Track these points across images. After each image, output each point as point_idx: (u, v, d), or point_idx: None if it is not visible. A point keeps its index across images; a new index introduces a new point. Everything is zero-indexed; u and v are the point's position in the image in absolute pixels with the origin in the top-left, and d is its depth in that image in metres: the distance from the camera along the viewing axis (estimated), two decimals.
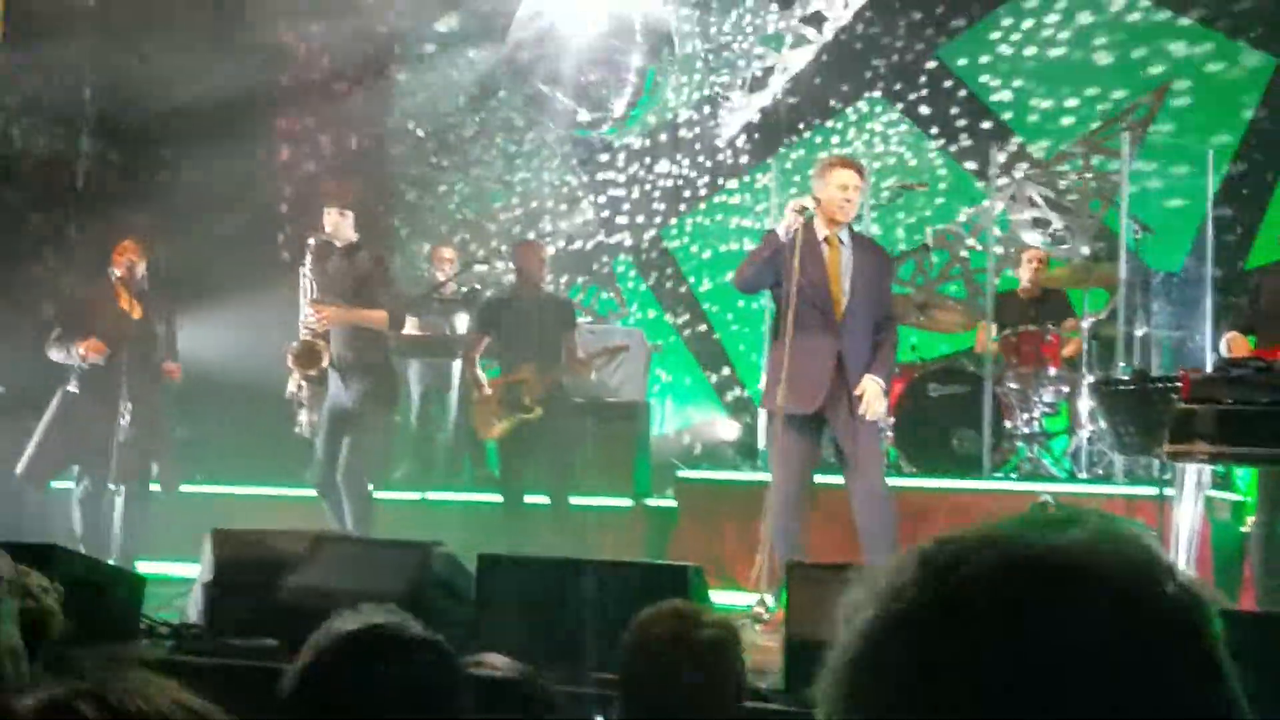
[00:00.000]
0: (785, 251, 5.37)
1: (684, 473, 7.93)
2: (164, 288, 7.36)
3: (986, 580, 0.76)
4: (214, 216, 8.87)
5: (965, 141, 9.58)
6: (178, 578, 5.86)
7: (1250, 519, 5.97)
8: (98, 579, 4.25)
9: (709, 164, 10.35)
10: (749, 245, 8.51)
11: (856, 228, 6.08)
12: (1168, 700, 0.73)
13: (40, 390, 7.49)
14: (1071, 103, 9.38)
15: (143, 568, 6.23)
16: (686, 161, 10.41)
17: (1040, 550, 0.77)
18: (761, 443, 7.91)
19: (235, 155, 8.96)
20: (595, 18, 10.03)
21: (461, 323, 8.31)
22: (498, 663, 2.42)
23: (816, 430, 5.53)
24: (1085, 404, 7.18)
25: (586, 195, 10.66)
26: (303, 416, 6.65)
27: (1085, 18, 9.34)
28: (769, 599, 5.19)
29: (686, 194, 10.43)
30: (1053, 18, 9.43)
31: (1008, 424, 7.38)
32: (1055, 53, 9.44)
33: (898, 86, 9.85)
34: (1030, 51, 9.51)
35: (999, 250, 8.23)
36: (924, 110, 9.75)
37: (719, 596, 4.95)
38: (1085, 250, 8.94)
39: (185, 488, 7.57)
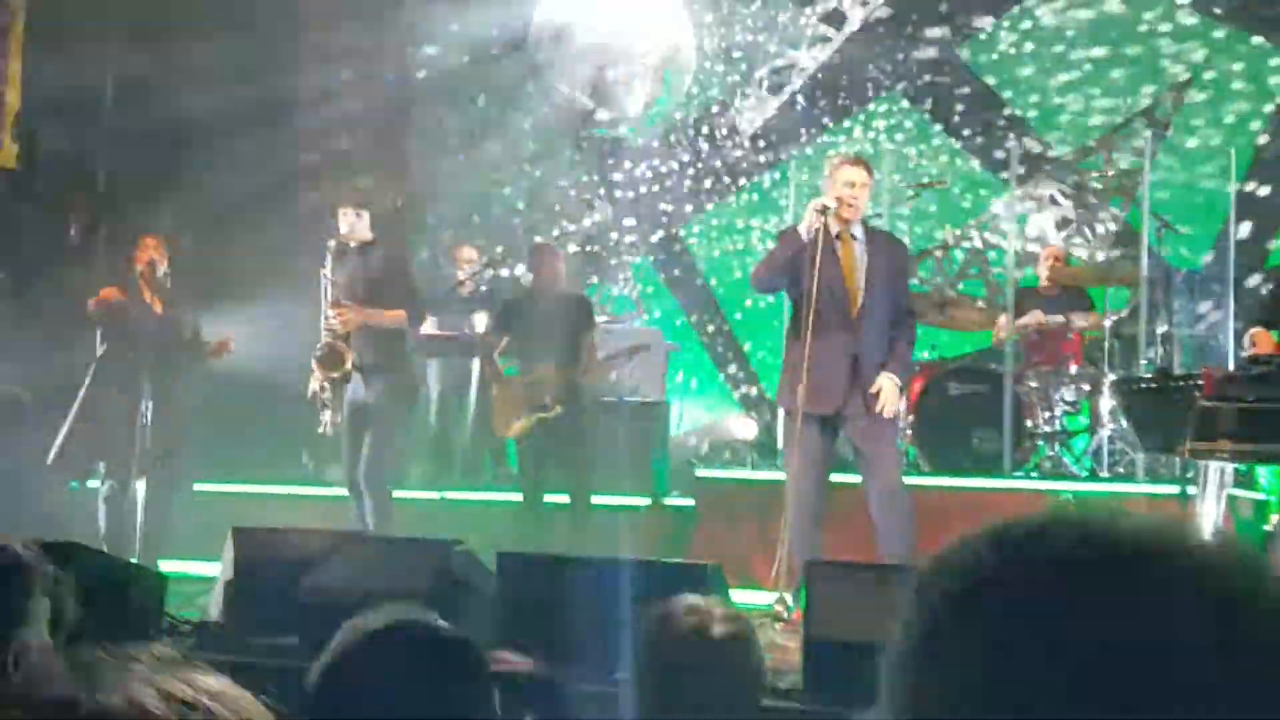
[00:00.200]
0: (806, 251, 5.36)
1: (702, 471, 7.92)
2: (187, 285, 7.39)
3: (1066, 559, 0.74)
4: (235, 215, 8.90)
5: (985, 139, 9.55)
6: (199, 576, 5.88)
7: (1274, 517, 5.93)
8: (119, 577, 4.26)
9: (726, 163, 10.34)
10: (767, 244, 8.50)
11: (878, 227, 6.06)
12: (1266, 702, 0.71)
13: (63, 393, 7.53)
14: (1092, 100, 9.34)
15: (165, 566, 6.26)
16: (704, 160, 10.39)
17: (1123, 531, 0.76)
18: (780, 442, 7.90)
19: (257, 153, 8.99)
20: (613, 17, 10.03)
21: (480, 322, 8.32)
22: (512, 659, 2.42)
23: (834, 429, 5.52)
24: (1106, 402, 7.14)
25: (604, 194, 10.66)
26: (326, 416, 6.66)
27: (1106, 14, 9.29)
28: (788, 598, 5.18)
29: (704, 193, 10.41)
30: (1073, 14, 9.39)
31: (1028, 422, 7.35)
32: (1076, 50, 9.40)
33: (917, 84, 9.83)
34: (1050, 49, 9.47)
35: (1018, 248, 8.19)
36: (943, 108, 9.73)
37: (738, 595, 4.94)
38: (1105, 248, 8.90)
39: (207, 486, 7.60)
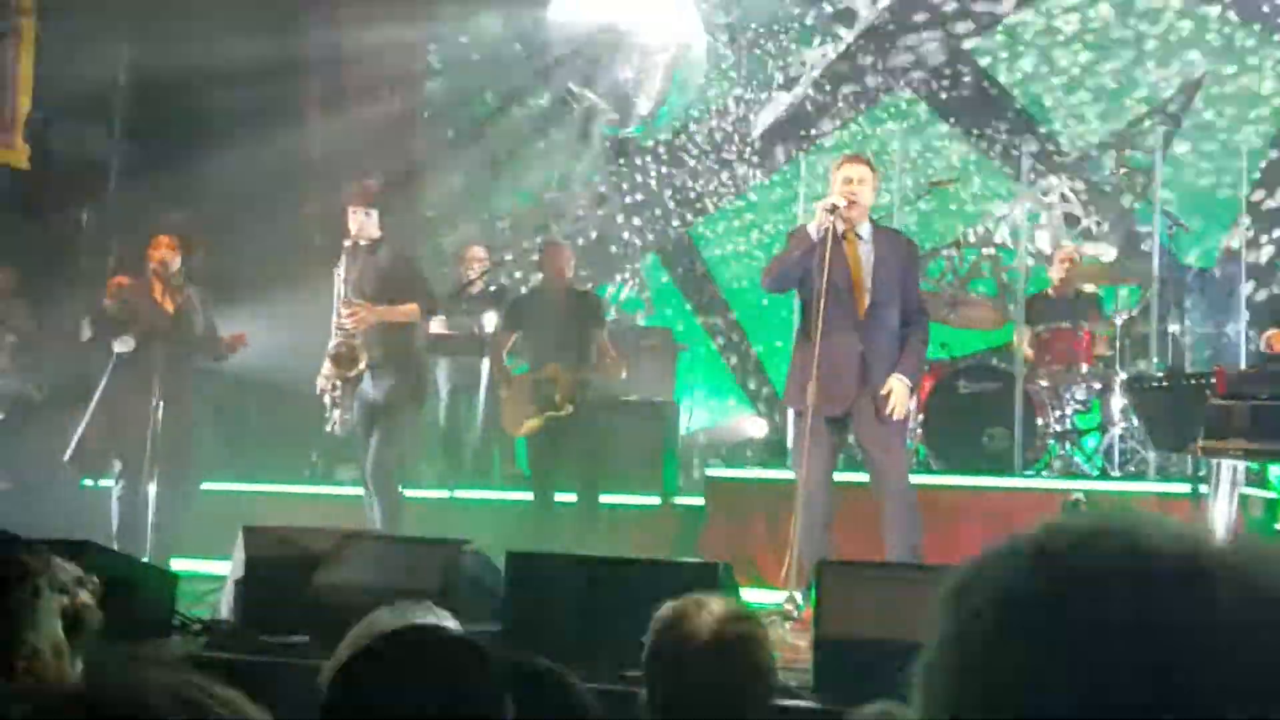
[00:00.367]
0: (815, 251, 5.35)
1: (712, 471, 7.91)
2: (200, 283, 7.41)
3: (1113, 570, 0.73)
4: (245, 214, 8.92)
5: (996, 137, 9.53)
6: (210, 575, 5.90)
7: None
8: (131, 575, 4.28)
9: (737, 161, 10.33)
10: (776, 244, 8.49)
11: (886, 225, 6.05)
12: None
13: (74, 391, 7.56)
14: (1104, 98, 9.31)
15: (176, 565, 6.28)
16: (715, 159, 10.39)
17: (1170, 540, 0.75)
18: (790, 441, 7.89)
19: (267, 153, 9.01)
20: (624, 16, 10.03)
21: (490, 321, 8.32)
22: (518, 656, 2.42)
23: (842, 429, 5.51)
24: (1117, 401, 7.12)
25: (614, 194, 10.65)
26: (335, 414, 6.67)
27: (1118, 11, 9.27)
28: (798, 597, 5.18)
29: (714, 192, 10.40)
30: (1084, 12, 9.36)
31: (1039, 421, 7.33)
32: (1087, 47, 9.37)
33: (928, 82, 9.81)
34: (1062, 46, 9.45)
35: (1030, 247, 8.17)
36: (954, 106, 9.71)
37: (748, 594, 4.94)
38: (1117, 247, 8.88)
39: (218, 485, 7.61)
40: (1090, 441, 7.55)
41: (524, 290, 8.49)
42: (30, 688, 0.89)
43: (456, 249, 9.54)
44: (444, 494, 7.70)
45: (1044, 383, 7.38)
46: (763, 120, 10.28)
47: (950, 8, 9.70)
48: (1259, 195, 8.62)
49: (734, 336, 10.21)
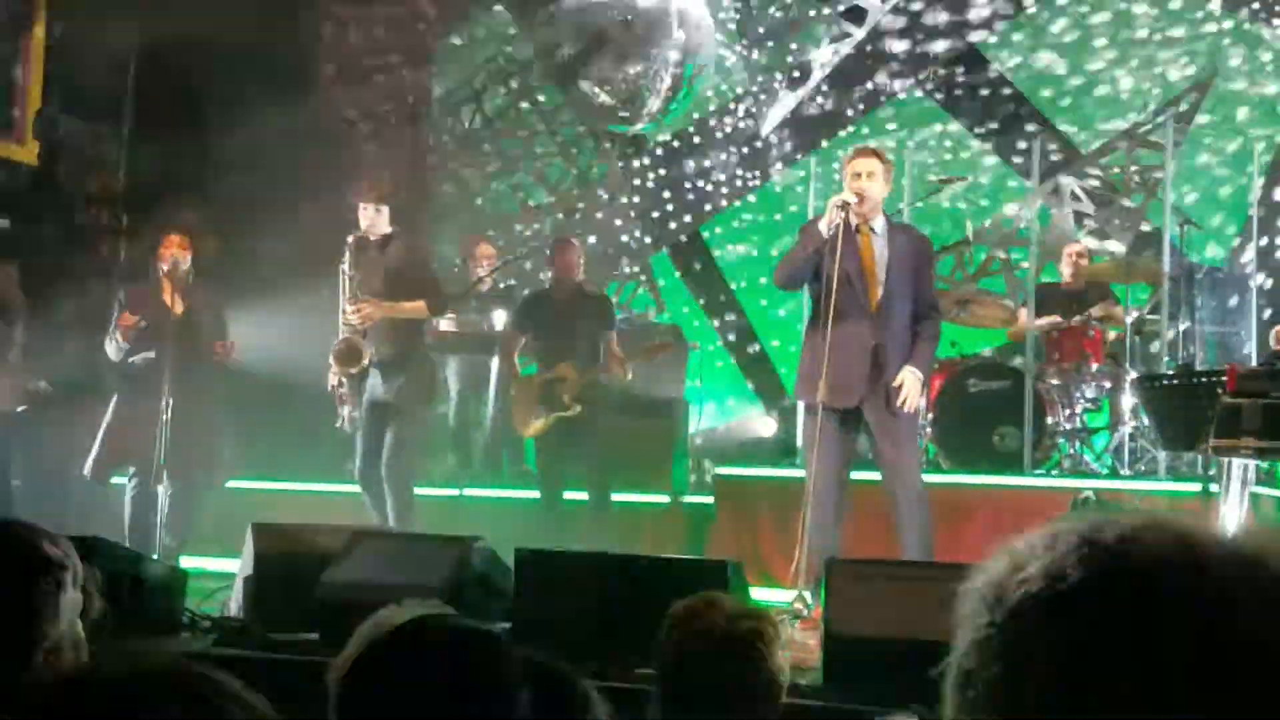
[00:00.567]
0: (826, 247, 5.33)
1: (722, 469, 7.90)
2: (211, 282, 7.41)
3: (1164, 564, 0.73)
4: (255, 212, 8.92)
5: (1006, 135, 9.51)
6: (219, 572, 5.90)
7: None
8: (140, 572, 4.28)
9: (747, 159, 10.32)
10: (788, 240, 8.48)
11: (896, 221, 6.03)
12: None
13: (86, 386, 7.58)
14: (1114, 95, 9.29)
15: (185, 562, 6.29)
16: (724, 157, 10.38)
17: (1219, 539, 0.74)
18: (799, 439, 7.89)
19: (278, 151, 9.01)
20: (634, 13, 10.02)
21: (499, 320, 8.32)
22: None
23: (854, 425, 5.49)
24: (1127, 399, 7.10)
25: (623, 191, 10.65)
26: (344, 411, 6.68)
27: (1128, 9, 9.24)
28: (807, 595, 5.16)
29: (724, 190, 10.40)
30: (1095, 9, 9.34)
31: (1049, 420, 7.31)
32: (1098, 45, 9.35)
33: (938, 80, 9.78)
34: (1073, 44, 9.42)
35: (1040, 244, 8.15)
36: (964, 104, 9.69)
37: (757, 593, 4.94)
38: (1127, 245, 8.86)
39: (227, 483, 7.62)
40: (1100, 440, 7.53)
41: (533, 289, 8.48)
42: (37, 676, 0.90)
43: (466, 247, 9.54)
44: (453, 492, 7.71)
45: (1054, 381, 7.36)
46: (772, 117, 10.27)
47: (961, 5, 9.68)
48: (1268, 194, 8.59)
49: (743, 335, 10.20)
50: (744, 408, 9.99)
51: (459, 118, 10.85)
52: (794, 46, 10.24)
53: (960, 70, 9.71)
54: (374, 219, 6.67)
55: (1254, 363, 6.97)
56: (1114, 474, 7.14)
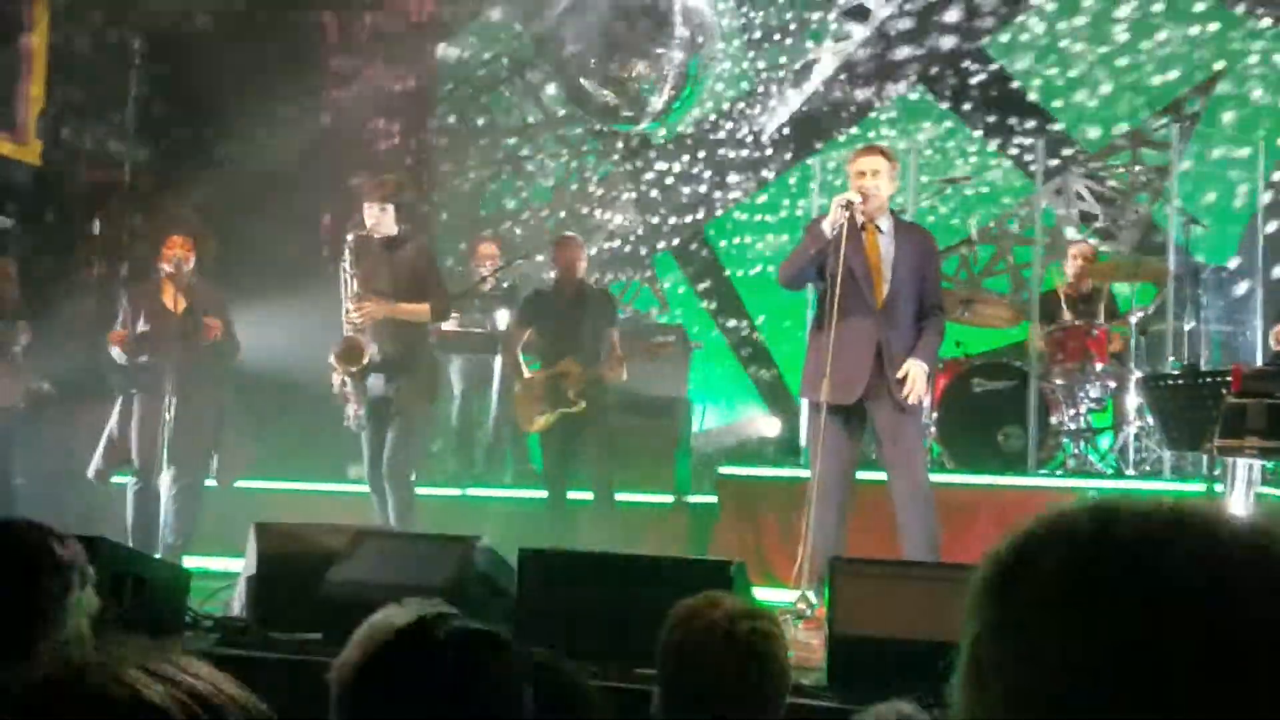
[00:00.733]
0: (831, 246, 5.32)
1: (725, 469, 7.89)
2: (214, 283, 7.41)
3: (1179, 556, 0.72)
4: (260, 211, 8.92)
5: (1011, 135, 9.50)
6: (222, 571, 5.90)
7: None
8: (142, 571, 4.28)
9: (751, 158, 10.30)
10: (791, 240, 8.47)
11: (902, 220, 6.01)
12: None
13: (89, 386, 7.58)
14: (1120, 95, 9.27)
15: (188, 562, 6.29)
16: (728, 156, 10.36)
17: (1233, 529, 0.74)
18: (803, 439, 7.88)
19: (282, 150, 9.02)
20: (638, 11, 10.02)
21: (502, 319, 8.32)
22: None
23: (859, 424, 5.47)
24: (1132, 399, 7.09)
25: (627, 190, 10.64)
26: (350, 410, 6.67)
27: (1133, 8, 9.22)
28: (811, 595, 5.16)
29: (728, 189, 10.38)
30: (1100, 8, 9.32)
31: (1053, 420, 7.30)
32: (1102, 44, 9.33)
33: (942, 79, 9.77)
34: (1077, 43, 9.41)
35: (1044, 244, 8.14)
36: (968, 103, 9.67)
37: (761, 593, 4.93)
38: (1132, 244, 8.84)
39: (235, 483, 7.62)
40: (1105, 440, 7.52)
41: (537, 287, 8.48)
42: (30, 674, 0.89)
43: (469, 246, 9.54)
44: (457, 492, 7.70)
45: (1058, 381, 7.35)
46: (777, 117, 10.25)
47: (965, 4, 9.66)
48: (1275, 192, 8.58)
49: (748, 334, 10.19)
50: (747, 407, 9.98)
51: (463, 117, 10.84)
52: (797, 45, 10.22)
53: (965, 69, 9.69)
54: (379, 218, 6.67)
55: (1259, 363, 6.95)
56: (1118, 474, 7.13)
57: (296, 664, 3.92)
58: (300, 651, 4.11)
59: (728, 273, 10.35)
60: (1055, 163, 9.15)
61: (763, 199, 10.30)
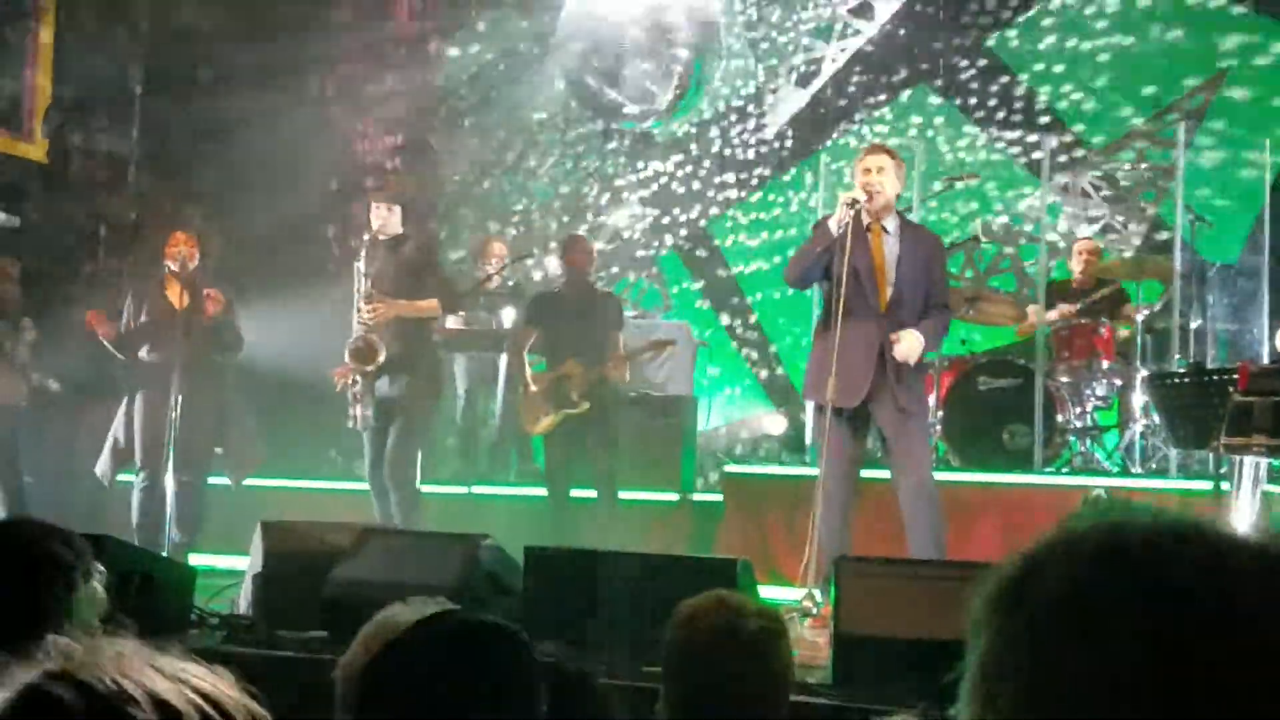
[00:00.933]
0: (836, 245, 5.32)
1: (730, 467, 7.89)
2: (218, 280, 7.42)
3: (1198, 574, 0.72)
4: (265, 210, 8.93)
5: (1017, 133, 9.48)
6: (228, 570, 5.91)
7: None
8: (149, 569, 4.28)
9: (756, 156, 10.29)
10: (795, 238, 8.47)
11: (909, 220, 6.00)
12: None
13: (95, 387, 7.59)
14: (1125, 92, 9.25)
15: (194, 560, 6.30)
16: (732, 154, 10.36)
17: (1244, 543, 0.73)
18: (808, 437, 7.87)
19: (286, 148, 9.03)
20: (642, 9, 10.01)
21: (508, 317, 8.32)
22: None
23: (864, 423, 5.47)
24: (1138, 397, 7.08)
25: (632, 189, 10.64)
26: (355, 410, 6.68)
27: (1139, 5, 9.20)
28: (817, 593, 5.15)
29: (733, 187, 10.37)
30: (1106, 6, 9.30)
31: (1059, 418, 7.29)
32: (1108, 42, 9.31)
33: (948, 77, 9.75)
34: (1083, 41, 9.39)
35: (1051, 242, 8.13)
36: (975, 101, 9.65)
37: (766, 591, 4.92)
38: (1138, 242, 8.83)
39: (244, 480, 7.63)
40: (1111, 438, 7.51)
41: (545, 287, 8.49)
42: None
43: (475, 244, 9.54)
44: (462, 490, 7.71)
45: (1064, 379, 7.33)
46: (781, 115, 10.24)
47: (971, 1, 9.65)
48: None
49: (753, 332, 10.18)
50: (753, 405, 9.97)
51: (468, 116, 10.84)
52: (803, 43, 10.21)
53: (970, 67, 9.68)
54: (387, 218, 6.68)
55: (1265, 360, 6.94)
56: (1125, 472, 7.11)
57: (302, 662, 3.92)
58: (306, 650, 4.12)
59: (732, 271, 10.35)
60: (1061, 160, 9.13)
61: (768, 197, 10.29)
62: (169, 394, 6.81)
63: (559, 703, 1.84)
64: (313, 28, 9.89)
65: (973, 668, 0.76)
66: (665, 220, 10.53)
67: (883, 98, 9.95)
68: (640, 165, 10.61)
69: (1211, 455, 5.95)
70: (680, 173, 10.50)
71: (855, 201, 5.32)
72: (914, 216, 7.58)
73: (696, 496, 7.64)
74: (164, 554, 6.29)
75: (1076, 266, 7.92)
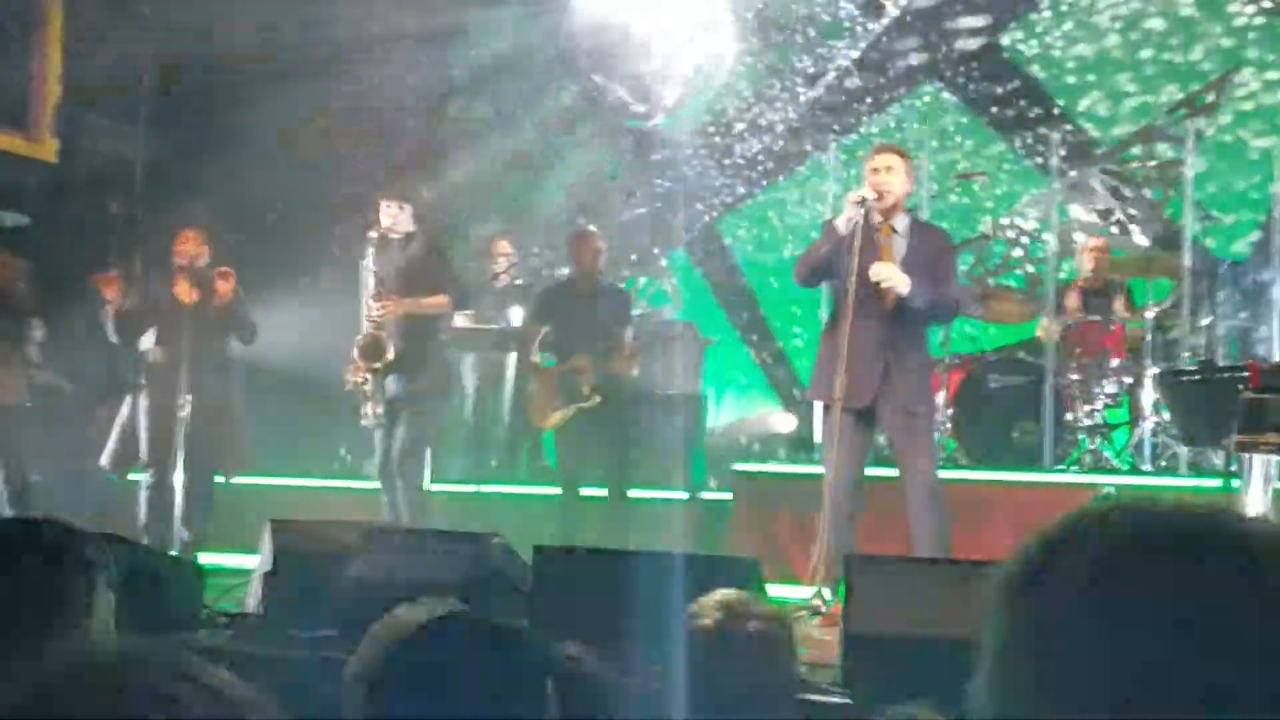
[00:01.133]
0: (844, 244, 5.31)
1: (739, 465, 7.89)
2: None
3: (1222, 558, 0.72)
4: (275, 208, 8.94)
5: (1026, 130, 9.46)
6: (237, 568, 5.91)
7: None
8: (158, 568, 4.29)
9: (764, 154, 10.28)
10: (801, 237, 8.46)
11: (918, 219, 5.99)
12: None
13: (105, 386, 7.60)
14: (1134, 90, 9.23)
15: (203, 558, 6.30)
16: (740, 152, 10.35)
17: (1265, 535, 0.73)
18: (817, 435, 7.86)
19: (296, 146, 9.04)
20: (649, 7, 10.01)
21: (516, 315, 8.33)
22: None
23: (870, 422, 5.47)
24: (1148, 395, 7.06)
25: (640, 186, 10.63)
26: (367, 408, 6.69)
27: (1148, 4, 9.18)
28: (826, 592, 5.15)
29: (741, 185, 10.37)
30: (1115, 4, 9.28)
31: (1069, 416, 7.27)
32: (1117, 40, 9.29)
33: (957, 75, 9.74)
34: (1092, 39, 9.36)
35: (1059, 239, 8.11)
36: (984, 99, 9.64)
37: (775, 589, 4.91)
38: (1147, 239, 8.80)
39: (244, 479, 7.63)
40: (1121, 436, 7.49)
41: (551, 283, 8.48)
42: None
43: (483, 243, 9.55)
44: (471, 488, 7.71)
45: (1074, 377, 7.32)
46: (790, 113, 10.23)
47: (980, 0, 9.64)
48: None
49: (761, 330, 10.18)
50: (761, 403, 9.96)
51: (474, 114, 10.84)
52: (812, 41, 10.19)
53: (979, 65, 9.66)
54: (396, 216, 6.70)
55: (1276, 358, 6.91)
56: (1135, 470, 7.09)
57: (312, 661, 3.92)
58: (316, 648, 4.12)
59: (741, 268, 10.34)
60: (1070, 157, 9.11)
61: (776, 195, 10.28)
62: (176, 392, 6.82)
63: (568, 703, 1.84)
64: (321, 27, 9.89)
65: (991, 654, 0.76)
66: (673, 218, 10.53)
67: (891, 96, 9.93)
68: (647, 163, 10.60)
69: (1222, 453, 5.93)
70: (688, 171, 10.49)
71: (864, 200, 5.31)
72: (923, 214, 7.58)
73: (705, 495, 7.63)
74: (173, 553, 6.30)
75: (1085, 262, 7.90)
